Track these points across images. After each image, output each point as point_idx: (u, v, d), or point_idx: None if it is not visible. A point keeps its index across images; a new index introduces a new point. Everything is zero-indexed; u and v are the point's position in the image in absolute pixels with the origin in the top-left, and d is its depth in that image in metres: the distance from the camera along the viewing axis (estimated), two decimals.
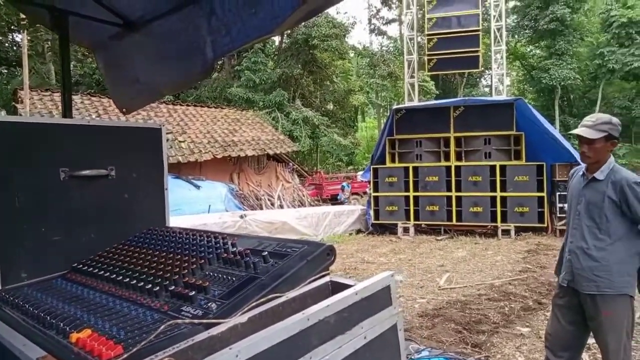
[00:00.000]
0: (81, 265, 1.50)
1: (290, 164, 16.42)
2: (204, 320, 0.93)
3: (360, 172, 17.34)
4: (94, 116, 12.55)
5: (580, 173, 2.75)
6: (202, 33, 2.36)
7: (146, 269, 1.29)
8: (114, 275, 1.32)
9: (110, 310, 1.10)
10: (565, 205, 9.56)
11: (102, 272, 1.38)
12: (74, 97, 13.37)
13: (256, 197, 13.77)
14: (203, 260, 1.26)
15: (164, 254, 1.39)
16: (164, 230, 1.64)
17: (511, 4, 33.58)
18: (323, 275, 1.17)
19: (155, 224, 1.82)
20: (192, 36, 2.43)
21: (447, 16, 13.86)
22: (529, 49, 35.41)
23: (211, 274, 1.19)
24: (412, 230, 10.88)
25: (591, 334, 2.76)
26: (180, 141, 13.10)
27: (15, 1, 2.85)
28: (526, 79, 34.88)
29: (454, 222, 10.53)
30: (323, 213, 11.19)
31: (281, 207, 13.76)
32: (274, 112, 21.78)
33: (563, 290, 2.80)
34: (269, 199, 13.89)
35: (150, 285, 1.16)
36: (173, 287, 1.13)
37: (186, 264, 1.25)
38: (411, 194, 10.88)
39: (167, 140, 11.57)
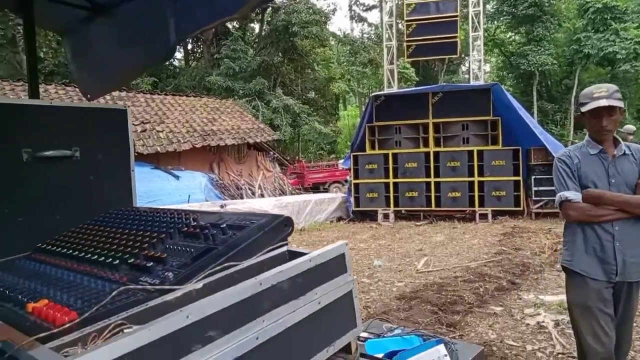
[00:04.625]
0: (45, 245, 1.51)
1: (271, 152, 16.38)
2: (158, 287, 0.96)
3: (342, 161, 17.40)
4: None
5: (592, 153, 2.39)
6: (166, 15, 2.35)
7: (108, 246, 1.31)
8: (77, 253, 1.34)
9: (70, 283, 1.12)
10: (541, 188, 9.85)
11: (65, 250, 1.39)
12: (48, 87, 13.07)
13: (237, 187, 13.72)
14: (164, 235, 1.28)
15: (127, 231, 1.40)
16: (129, 210, 1.65)
17: None
18: (281, 246, 1.20)
19: (122, 204, 1.83)
20: (156, 19, 2.41)
21: (426, 2, 13.91)
22: (508, 35, 35.76)
23: (171, 247, 1.21)
24: (392, 216, 11.01)
25: None
26: (158, 131, 12.93)
27: None
28: (505, 65, 35.27)
29: (433, 207, 10.70)
30: (304, 201, 11.23)
31: (262, 196, 13.75)
32: (254, 100, 21.63)
33: (607, 289, 2.35)
34: (249, 189, 13.86)
35: (110, 260, 1.18)
36: (132, 260, 1.16)
37: (147, 239, 1.27)
38: (391, 180, 10.99)
39: (145, 130, 11.38)
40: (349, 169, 11.93)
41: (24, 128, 1.60)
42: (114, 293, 0.92)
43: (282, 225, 1.21)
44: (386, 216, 11.05)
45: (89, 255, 1.28)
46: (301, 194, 15.72)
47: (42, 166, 1.62)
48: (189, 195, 11.57)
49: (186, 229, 1.28)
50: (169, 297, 0.94)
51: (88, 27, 2.90)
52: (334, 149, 30.83)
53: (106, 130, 1.83)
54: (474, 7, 14.77)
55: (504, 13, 30.83)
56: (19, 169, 1.57)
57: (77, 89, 13.23)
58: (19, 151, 1.57)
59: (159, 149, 12.27)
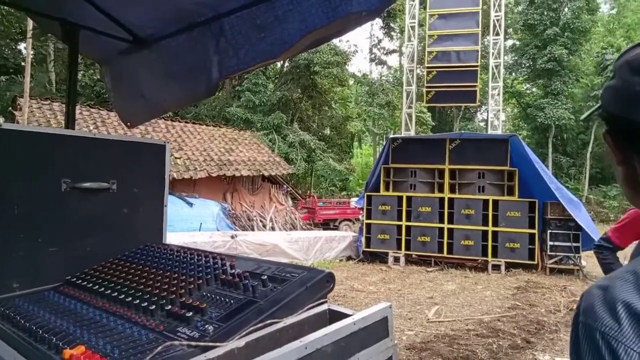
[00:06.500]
0: (75, 279, 1.48)
1: (285, 186, 16.42)
2: (201, 343, 0.92)
3: (355, 199, 17.35)
4: (92, 127, 12.55)
5: None
6: (210, 53, 2.41)
7: (141, 287, 1.28)
8: (109, 291, 1.31)
9: (104, 327, 1.09)
10: (557, 243, 9.66)
11: (97, 286, 1.37)
12: None
13: (248, 218, 13.69)
14: (200, 281, 1.25)
15: (160, 271, 1.38)
16: (160, 247, 1.63)
17: (509, 42, 34.48)
18: (321, 303, 1.16)
19: (152, 240, 1.81)
20: (199, 56, 2.47)
21: (447, 51, 14.20)
22: (525, 87, 36.15)
23: (208, 295, 1.18)
24: (402, 260, 10.84)
25: None
26: (176, 157, 13.08)
27: (28, 11, 2.88)
28: (521, 115, 35.50)
29: (445, 254, 10.52)
30: (314, 237, 11.13)
31: (273, 229, 13.68)
32: (272, 133, 21.91)
33: None
34: (260, 220, 13.82)
35: (145, 304, 1.15)
36: (169, 307, 1.12)
37: (183, 284, 1.24)
38: (403, 223, 10.88)
39: None
40: (362, 209, 11.86)
41: (65, 158, 1.61)
42: (158, 349, 0.89)
43: (323, 281, 1.18)
44: (397, 259, 10.88)
45: (122, 295, 1.25)
46: (312, 229, 15.61)
47: (79, 197, 1.62)
48: (201, 224, 11.56)
49: (224, 276, 1.25)
50: (211, 354, 0.90)
51: (129, 59, 2.98)
52: (345, 186, 30.82)
53: (144, 164, 1.84)
54: (494, 58, 15.04)
55: (523, 66, 31.31)
56: (57, 198, 1.57)
57: (100, 111, 13.51)
58: (58, 181, 1.57)
59: (175, 175, 12.38)
